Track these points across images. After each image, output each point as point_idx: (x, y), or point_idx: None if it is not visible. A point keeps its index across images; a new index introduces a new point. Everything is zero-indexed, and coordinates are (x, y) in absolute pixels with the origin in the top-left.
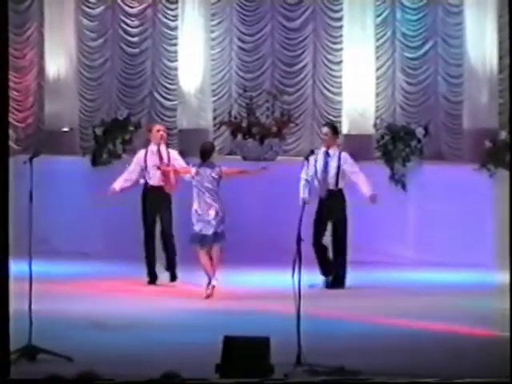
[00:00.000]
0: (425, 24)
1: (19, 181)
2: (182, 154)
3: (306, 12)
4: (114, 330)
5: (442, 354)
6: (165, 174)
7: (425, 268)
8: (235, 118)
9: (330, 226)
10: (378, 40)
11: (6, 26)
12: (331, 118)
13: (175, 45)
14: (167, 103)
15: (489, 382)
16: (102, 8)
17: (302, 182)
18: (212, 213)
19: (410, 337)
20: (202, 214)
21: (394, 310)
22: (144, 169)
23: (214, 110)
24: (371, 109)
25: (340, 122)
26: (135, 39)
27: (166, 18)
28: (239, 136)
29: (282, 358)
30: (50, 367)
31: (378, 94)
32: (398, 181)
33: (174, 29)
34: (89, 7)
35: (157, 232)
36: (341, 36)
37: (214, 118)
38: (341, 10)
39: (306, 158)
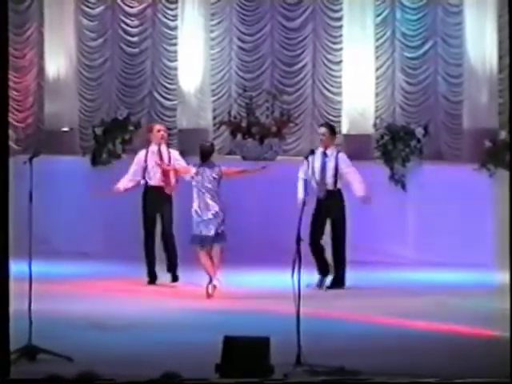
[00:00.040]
0: (424, 24)
1: (19, 181)
2: (182, 153)
3: (306, 12)
4: (114, 330)
5: (441, 353)
6: (165, 174)
7: (424, 268)
8: (235, 117)
9: (328, 227)
10: (377, 40)
11: (6, 25)
12: (331, 117)
13: (175, 44)
14: (167, 103)
15: (489, 382)
16: (101, 8)
17: (300, 182)
18: (212, 213)
19: (409, 337)
20: (202, 214)
21: (393, 310)
22: (144, 169)
23: (214, 110)
24: (371, 109)
25: (340, 122)
26: (135, 39)
27: (166, 17)
28: (239, 136)
29: (281, 358)
30: (50, 367)
31: (377, 94)
32: (398, 181)
33: (174, 29)
34: (88, 7)
35: (157, 232)
36: (340, 36)
37: (214, 118)
38: (340, 9)
39: (306, 158)
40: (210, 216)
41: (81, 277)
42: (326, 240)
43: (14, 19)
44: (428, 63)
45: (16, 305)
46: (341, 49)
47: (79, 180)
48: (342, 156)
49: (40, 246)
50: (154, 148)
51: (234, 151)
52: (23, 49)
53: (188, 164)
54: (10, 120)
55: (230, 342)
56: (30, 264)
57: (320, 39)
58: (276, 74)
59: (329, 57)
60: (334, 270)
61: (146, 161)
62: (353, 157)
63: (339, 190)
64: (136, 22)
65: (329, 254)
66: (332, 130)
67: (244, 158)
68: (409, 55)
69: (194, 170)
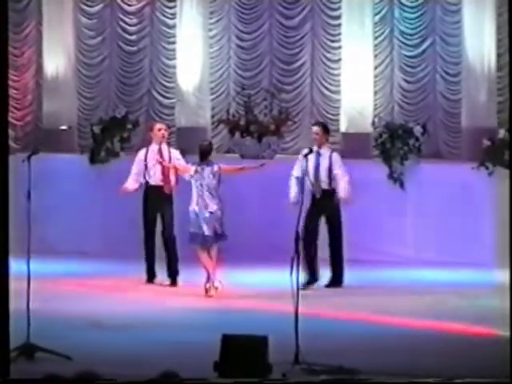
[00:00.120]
0: (423, 22)
1: (18, 179)
2: (182, 152)
3: (305, 10)
4: (113, 330)
5: (441, 353)
6: (165, 173)
7: (423, 267)
8: (233, 116)
9: (324, 226)
10: (376, 38)
11: (6, 25)
12: (329, 116)
13: (173, 43)
14: (165, 101)
15: (489, 382)
16: (100, 6)
17: (293, 181)
18: (210, 211)
19: (409, 336)
20: (200, 212)
21: (392, 310)
22: (145, 168)
23: (212, 108)
24: (369, 107)
25: (338, 120)
26: (133, 37)
27: (165, 16)
28: (237, 134)
29: (280, 357)
30: (49, 367)
31: (376, 92)
32: (396, 179)
33: (173, 27)
34: (87, 5)
35: (157, 231)
36: (339, 34)
37: (212, 116)
38: (339, 8)
39: (305, 156)
40: (208, 214)
41: (80, 276)
42: (325, 240)
43: (12, 17)
44: (426, 61)
45: (15, 304)
46: (339, 47)
47: (78, 178)
48: (336, 156)
49: (38, 245)
50: (154, 147)
51: (232, 149)
52: (22, 47)
53: (187, 163)
54: (9, 118)
55: (229, 341)
56: (28, 263)
57: (318, 37)
58: (274, 73)
59: (327, 55)
60: (331, 269)
61: (146, 160)
62: (351, 155)
63: (334, 190)
64: (134, 21)
65: (327, 254)
66: (325, 129)
67: (242, 157)
68: (407, 53)
69: (192, 168)
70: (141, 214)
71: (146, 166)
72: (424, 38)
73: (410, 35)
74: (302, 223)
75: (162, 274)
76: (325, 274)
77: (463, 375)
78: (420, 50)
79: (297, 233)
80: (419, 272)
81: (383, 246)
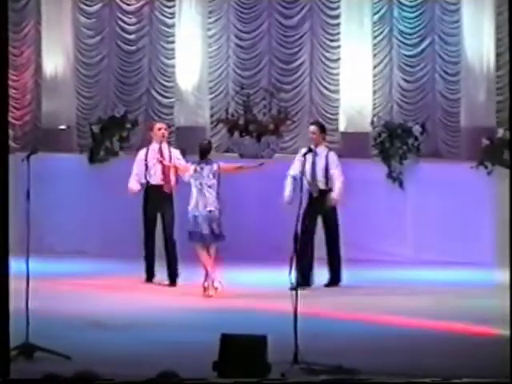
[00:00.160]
0: (422, 21)
1: (17, 179)
2: (182, 152)
3: (304, 9)
4: (112, 329)
5: (441, 353)
6: (165, 173)
7: (423, 266)
8: (232, 115)
9: (323, 227)
10: (375, 38)
11: (6, 25)
12: (328, 115)
13: (172, 42)
14: (164, 101)
15: (489, 382)
16: (99, 5)
17: (289, 180)
18: (209, 211)
19: (408, 336)
20: (200, 211)
21: (392, 309)
22: (145, 168)
23: (211, 108)
24: (368, 106)
25: (337, 120)
26: (132, 37)
27: (163, 15)
28: (236, 133)
29: (279, 356)
30: (48, 366)
31: (375, 92)
32: (395, 178)
33: (171, 26)
34: (86, 5)
35: (157, 231)
36: (338, 34)
37: (211, 116)
38: (338, 7)
39: (304, 156)
40: (207, 213)
41: (79, 275)
42: (322, 240)
43: (11, 17)
44: (425, 61)
45: (14, 303)
46: (338, 47)
47: (77, 178)
48: (332, 156)
49: (38, 244)
50: (154, 146)
51: (231, 149)
52: (21, 46)
53: (187, 162)
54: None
55: (228, 341)
56: (27, 262)
57: (317, 37)
58: (273, 72)
59: (326, 54)
60: (329, 268)
61: (146, 159)
62: (350, 154)
63: (331, 190)
64: (133, 20)
65: (324, 253)
66: (322, 128)
67: (241, 156)
68: (406, 53)
69: (192, 167)
70: (140, 214)
71: (146, 165)
72: (423, 38)
73: (409, 34)
74: (299, 223)
75: (161, 274)
76: (324, 274)
77: (463, 375)
78: (419, 49)
79: (296, 232)
80: (419, 271)
81: (382, 245)
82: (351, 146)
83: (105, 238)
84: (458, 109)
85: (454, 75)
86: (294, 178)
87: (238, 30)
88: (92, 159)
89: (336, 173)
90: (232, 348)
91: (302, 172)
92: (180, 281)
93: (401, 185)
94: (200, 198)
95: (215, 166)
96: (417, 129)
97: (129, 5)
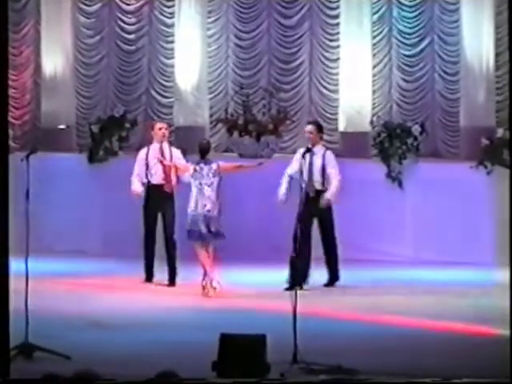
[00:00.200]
0: (421, 21)
1: (16, 178)
2: (183, 151)
3: (303, 9)
4: (112, 329)
5: (441, 353)
6: (166, 172)
7: (422, 266)
8: (231, 115)
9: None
10: (374, 37)
11: (6, 25)
12: (328, 115)
13: (172, 42)
14: (164, 100)
15: (489, 382)
16: (98, 5)
17: (285, 179)
18: (208, 210)
19: (408, 336)
20: (199, 211)
21: (392, 309)
22: (146, 167)
23: (211, 108)
24: (368, 106)
25: (336, 120)
26: (132, 36)
27: (163, 15)
28: (235, 133)
29: (278, 356)
30: (48, 366)
31: (374, 92)
32: (395, 178)
33: (171, 26)
34: (85, 5)
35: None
36: (337, 33)
37: (211, 116)
38: (337, 7)
39: (303, 156)
40: (206, 213)
41: (78, 275)
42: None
43: (11, 17)
44: (425, 60)
45: (13, 303)
46: (338, 46)
47: (76, 177)
48: (329, 155)
49: (37, 244)
50: (155, 146)
51: (230, 149)
52: (20, 46)
53: (187, 162)
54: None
55: (227, 340)
56: (26, 262)
57: (317, 37)
58: (273, 72)
59: (326, 54)
60: (327, 267)
61: (147, 158)
62: (349, 154)
63: (327, 190)
64: (133, 20)
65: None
66: (319, 128)
67: (241, 156)
68: (406, 53)
69: (191, 167)
70: (139, 213)
71: (147, 164)
72: (422, 37)
73: (409, 34)
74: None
75: (160, 274)
76: (324, 274)
77: (463, 375)
78: (418, 49)
79: (295, 232)
80: (419, 272)
81: (382, 245)
82: (350, 146)
83: (104, 238)
84: (457, 108)
85: (454, 75)
86: (291, 178)
87: (237, 29)
88: (91, 159)
89: (333, 172)
90: (231, 348)
91: (300, 171)
92: (179, 280)
93: (400, 185)
94: (199, 197)
95: (214, 166)
96: (416, 128)
97: (128, 5)
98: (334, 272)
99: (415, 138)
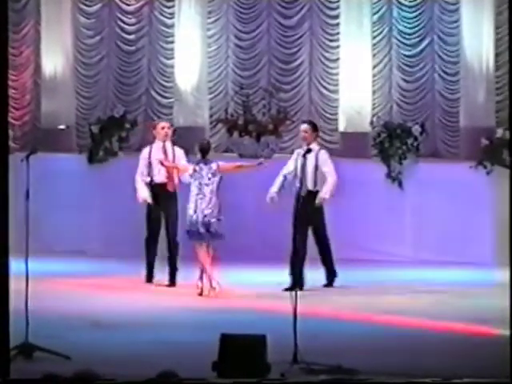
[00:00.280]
0: (421, 21)
1: (16, 179)
2: (186, 152)
3: (303, 10)
4: (112, 329)
5: (440, 353)
6: (169, 171)
7: (422, 266)
8: (231, 115)
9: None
10: (374, 38)
11: (6, 25)
12: (328, 115)
13: (172, 42)
14: (163, 101)
15: (489, 382)
16: (98, 6)
17: (279, 178)
18: (208, 210)
19: (408, 336)
20: (198, 211)
21: (392, 309)
22: (149, 166)
23: (211, 108)
24: (368, 106)
25: (336, 120)
26: (132, 37)
27: (163, 15)
28: (235, 133)
29: (278, 356)
30: (48, 366)
31: (374, 92)
32: (395, 178)
33: (171, 26)
34: (85, 5)
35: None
36: (337, 34)
37: (211, 116)
38: (337, 7)
39: (304, 156)
40: (205, 213)
41: (78, 275)
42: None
43: (11, 17)
44: (425, 61)
45: (13, 303)
46: (338, 47)
47: (76, 178)
48: (323, 155)
49: (37, 244)
50: (158, 145)
51: (230, 149)
52: (20, 46)
53: (188, 162)
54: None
55: (227, 341)
56: (26, 262)
57: (317, 37)
58: (273, 72)
59: (326, 55)
60: (323, 267)
61: (150, 157)
62: (349, 154)
63: (318, 192)
64: (133, 20)
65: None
66: (314, 127)
67: (241, 156)
68: (406, 53)
69: (191, 167)
70: (139, 214)
71: (150, 163)
72: (422, 38)
73: (409, 34)
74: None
75: (160, 274)
76: (322, 274)
77: (463, 375)
78: (418, 49)
79: (295, 232)
80: (418, 272)
81: (382, 245)
82: (350, 146)
83: (104, 238)
84: (457, 109)
85: (454, 75)
86: (285, 178)
87: (237, 30)
88: (91, 159)
89: (328, 171)
90: (231, 348)
91: (295, 172)
92: (179, 280)
93: (400, 185)
94: (199, 197)
95: (214, 166)
96: (416, 129)
97: (128, 5)
98: (330, 270)
99: (415, 138)
